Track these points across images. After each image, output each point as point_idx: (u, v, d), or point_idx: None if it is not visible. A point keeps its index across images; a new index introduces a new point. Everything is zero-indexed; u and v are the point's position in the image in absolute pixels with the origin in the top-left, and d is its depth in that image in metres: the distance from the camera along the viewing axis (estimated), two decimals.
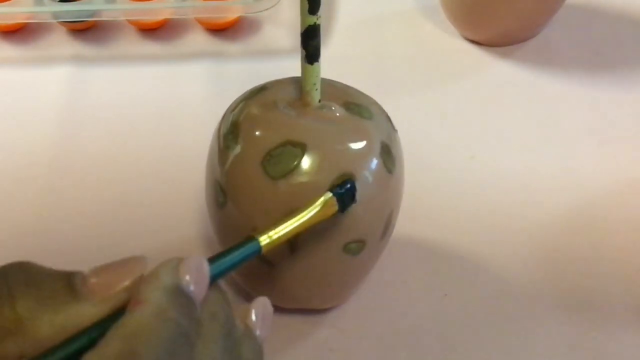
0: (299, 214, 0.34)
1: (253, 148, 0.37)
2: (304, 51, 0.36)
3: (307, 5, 0.35)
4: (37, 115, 0.53)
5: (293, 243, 0.37)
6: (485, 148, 0.51)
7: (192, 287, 0.27)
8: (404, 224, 0.46)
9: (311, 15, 0.35)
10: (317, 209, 0.34)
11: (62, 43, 0.58)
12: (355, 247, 0.37)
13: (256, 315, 0.31)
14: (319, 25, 0.36)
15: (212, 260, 0.29)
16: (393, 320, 0.43)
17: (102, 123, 0.53)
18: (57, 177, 0.50)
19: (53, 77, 0.56)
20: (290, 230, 0.33)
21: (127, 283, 0.27)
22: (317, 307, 0.42)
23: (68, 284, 0.27)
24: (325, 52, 0.57)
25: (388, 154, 0.38)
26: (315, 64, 0.37)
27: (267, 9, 0.54)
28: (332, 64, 0.55)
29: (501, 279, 0.44)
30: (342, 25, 0.59)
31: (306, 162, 0.36)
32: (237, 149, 0.37)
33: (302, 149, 0.36)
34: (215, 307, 0.28)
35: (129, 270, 0.28)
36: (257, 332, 0.30)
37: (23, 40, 0.58)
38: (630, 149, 0.50)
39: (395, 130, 0.40)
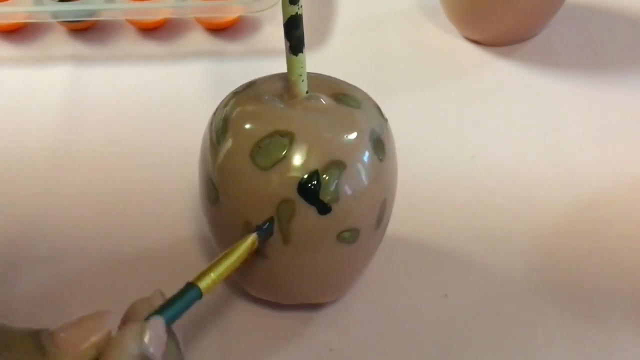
0: (229, 254, 0.35)
1: (242, 141, 0.37)
2: (287, 42, 0.36)
3: None
4: (36, 115, 0.53)
5: (286, 234, 0.37)
6: (485, 148, 0.51)
7: (152, 350, 0.29)
8: (404, 223, 0.46)
9: (292, 6, 0.35)
10: (247, 247, 0.36)
11: (62, 43, 0.58)
12: (350, 236, 0.37)
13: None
14: (300, 15, 0.36)
15: (161, 312, 0.31)
16: (393, 321, 0.43)
17: (101, 123, 0.53)
18: (56, 176, 0.50)
19: (52, 76, 0.55)
20: (224, 271, 0.35)
21: (94, 339, 0.29)
22: (315, 301, 0.42)
23: (37, 342, 0.28)
24: (326, 52, 0.58)
25: (378, 142, 0.38)
26: (300, 54, 0.37)
27: (267, 9, 0.54)
28: (332, 64, 0.56)
29: (501, 279, 0.44)
30: (342, 25, 0.59)
31: (295, 151, 0.36)
32: (227, 143, 0.37)
33: (290, 138, 0.36)
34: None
35: (96, 326, 0.29)
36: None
37: (22, 40, 0.58)
38: (630, 148, 0.50)
39: (386, 120, 0.40)
